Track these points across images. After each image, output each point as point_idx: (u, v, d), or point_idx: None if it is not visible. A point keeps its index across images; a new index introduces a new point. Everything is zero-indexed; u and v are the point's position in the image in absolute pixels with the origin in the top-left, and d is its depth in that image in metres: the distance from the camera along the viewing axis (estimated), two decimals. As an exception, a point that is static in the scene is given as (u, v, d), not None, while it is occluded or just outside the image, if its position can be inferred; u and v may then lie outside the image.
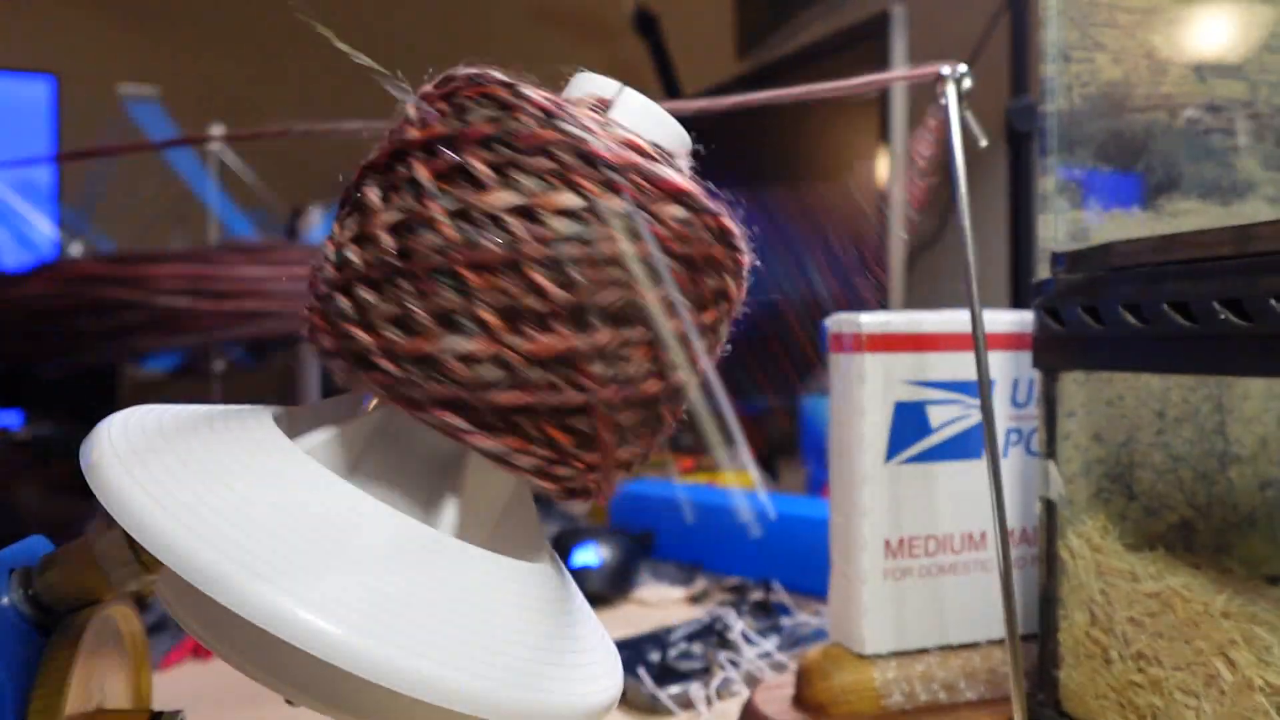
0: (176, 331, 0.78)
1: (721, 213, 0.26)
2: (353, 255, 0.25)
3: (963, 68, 0.33)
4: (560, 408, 0.24)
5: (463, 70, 0.26)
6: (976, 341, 0.32)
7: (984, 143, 0.34)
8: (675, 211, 0.25)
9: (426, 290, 0.24)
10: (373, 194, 0.25)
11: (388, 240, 0.24)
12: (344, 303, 0.25)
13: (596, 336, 0.24)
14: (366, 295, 0.25)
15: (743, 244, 0.27)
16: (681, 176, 0.26)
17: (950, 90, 0.33)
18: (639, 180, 0.25)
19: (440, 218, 0.24)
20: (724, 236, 0.27)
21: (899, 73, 0.34)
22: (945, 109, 0.33)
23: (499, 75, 0.25)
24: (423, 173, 0.25)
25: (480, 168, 0.24)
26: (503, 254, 0.24)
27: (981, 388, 0.33)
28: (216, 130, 1.35)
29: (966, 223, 0.32)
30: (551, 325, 0.24)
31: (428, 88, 0.26)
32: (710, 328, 0.27)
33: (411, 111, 0.26)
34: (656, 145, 0.26)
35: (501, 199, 0.24)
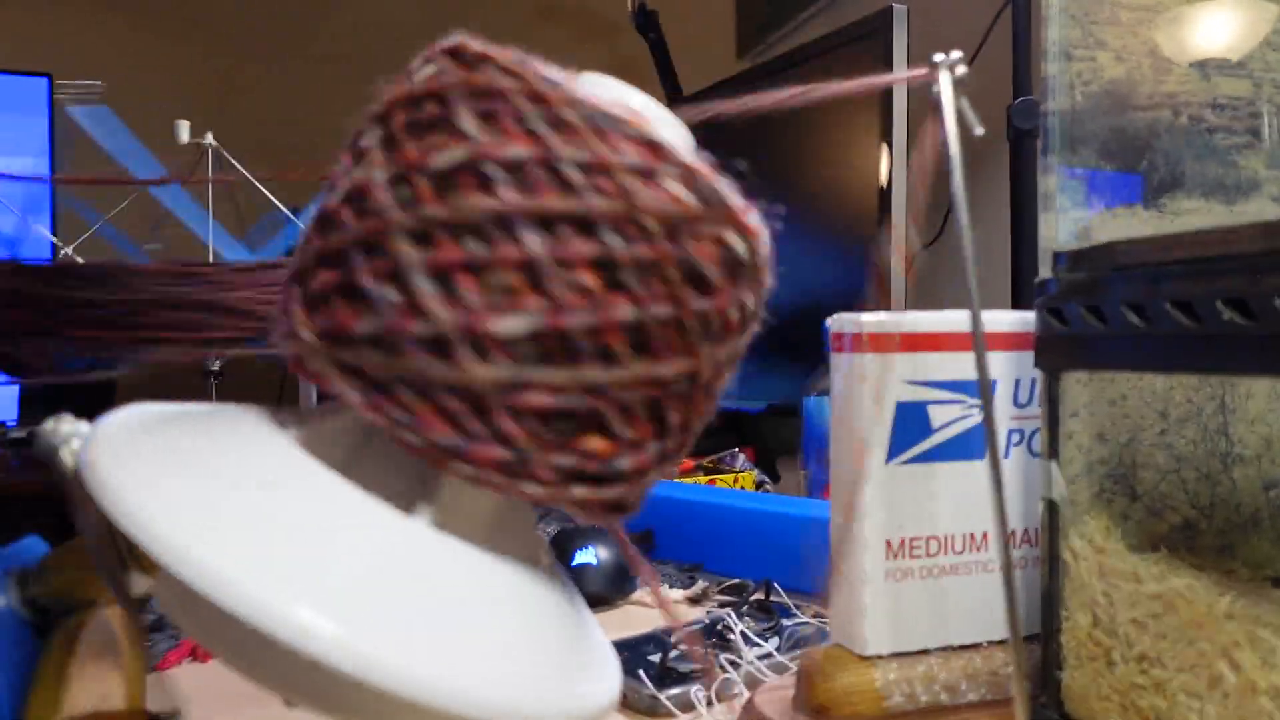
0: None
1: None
2: (326, 269, 0.25)
3: (957, 54, 0.33)
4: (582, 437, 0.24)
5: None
6: (976, 338, 0.32)
7: (979, 131, 0.33)
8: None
9: (415, 307, 0.23)
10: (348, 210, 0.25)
11: (363, 255, 0.24)
12: (319, 318, 0.24)
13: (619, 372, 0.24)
14: (346, 310, 0.24)
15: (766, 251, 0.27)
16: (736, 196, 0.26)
17: (944, 78, 0.32)
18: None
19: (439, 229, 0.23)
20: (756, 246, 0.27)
21: (897, 75, 0.33)
22: (939, 98, 0.32)
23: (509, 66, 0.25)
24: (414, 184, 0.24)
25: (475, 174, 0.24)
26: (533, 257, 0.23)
27: (983, 387, 0.33)
28: (209, 140, 1.36)
29: (965, 217, 0.32)
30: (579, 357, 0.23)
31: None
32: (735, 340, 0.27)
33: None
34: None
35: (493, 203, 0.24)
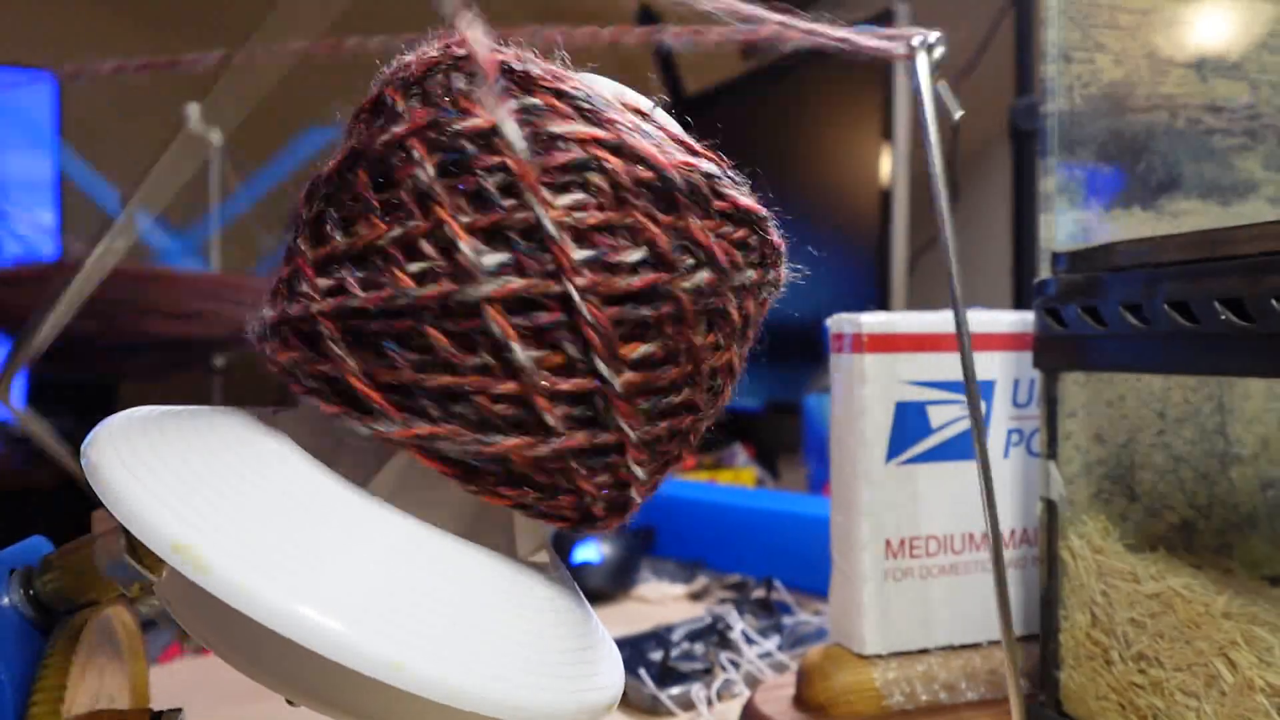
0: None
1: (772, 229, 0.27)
2: (317, 287, 0.25)
3: (933, 35, 0.32)
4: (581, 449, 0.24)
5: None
6: (961, 338, 0.32)
7: (958, 115, 0.33)
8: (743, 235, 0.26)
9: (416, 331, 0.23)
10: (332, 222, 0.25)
11: (354, 279, 0.24)
12: (319, 334, 0.24)
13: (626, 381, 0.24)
14: (343, 330, 0.24)
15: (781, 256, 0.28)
16: (748, 196, 0.26)
17: (921, 60, 0.32)
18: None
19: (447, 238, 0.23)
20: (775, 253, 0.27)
21: (866, 39, 0.32)
22: (916, 83, 0.32)
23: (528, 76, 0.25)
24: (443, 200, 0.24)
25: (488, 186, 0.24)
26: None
27: (969, 386, 0.33)
28: (215, 137, 1.35)
29: (945, 204, 0.31)
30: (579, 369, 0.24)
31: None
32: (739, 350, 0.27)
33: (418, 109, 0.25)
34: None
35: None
